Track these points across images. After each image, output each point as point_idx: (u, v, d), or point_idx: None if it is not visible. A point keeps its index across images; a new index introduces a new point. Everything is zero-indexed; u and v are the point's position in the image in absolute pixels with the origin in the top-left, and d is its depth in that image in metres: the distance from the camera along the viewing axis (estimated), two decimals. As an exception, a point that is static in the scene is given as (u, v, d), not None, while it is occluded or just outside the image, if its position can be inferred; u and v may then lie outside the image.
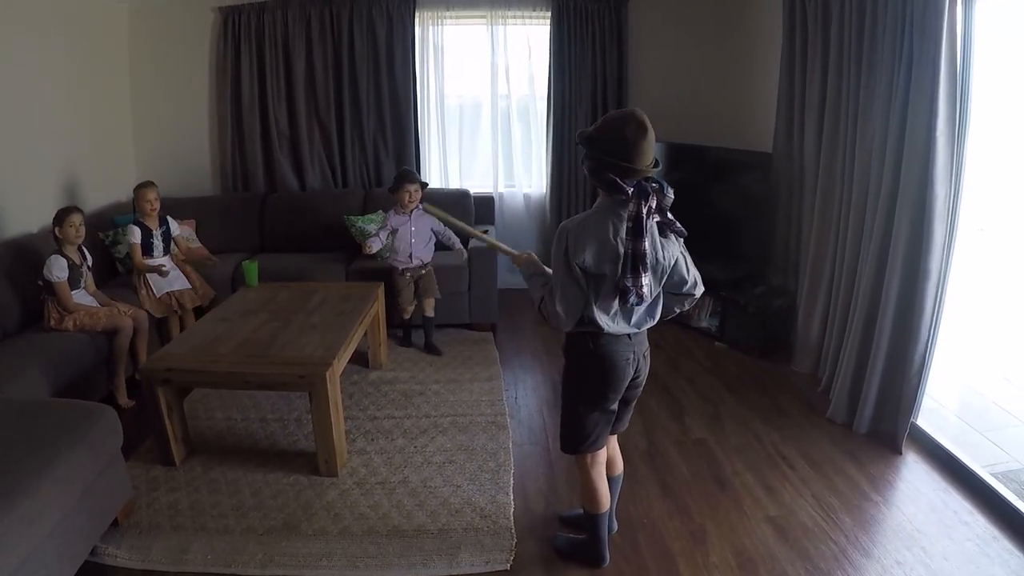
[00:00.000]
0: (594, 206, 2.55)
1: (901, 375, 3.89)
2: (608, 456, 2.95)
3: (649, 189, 2.41)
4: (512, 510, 3.38)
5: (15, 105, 4.89)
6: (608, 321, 2.55)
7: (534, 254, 2.86)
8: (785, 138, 5.14)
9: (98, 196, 5.83)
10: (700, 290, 2.75)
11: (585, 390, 2.70)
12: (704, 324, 5.69)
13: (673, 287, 2.69)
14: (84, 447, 2.91)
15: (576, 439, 2.77)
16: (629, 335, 2.63)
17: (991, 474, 3.54)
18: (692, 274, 2.69)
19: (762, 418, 4.31)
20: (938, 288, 3.69)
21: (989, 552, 3.06)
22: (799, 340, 4.98)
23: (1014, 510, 3.26)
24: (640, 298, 2.44)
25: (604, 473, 2.87)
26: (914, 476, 3.69)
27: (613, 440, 3.01)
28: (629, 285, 2.41)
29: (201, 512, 3.41)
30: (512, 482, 3.62)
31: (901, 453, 3.86)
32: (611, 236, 2.42)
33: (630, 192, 2.38)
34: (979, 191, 3.82)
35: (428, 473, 3.70)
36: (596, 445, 2.77)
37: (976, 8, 3.43)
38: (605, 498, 2.87)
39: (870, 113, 4.05)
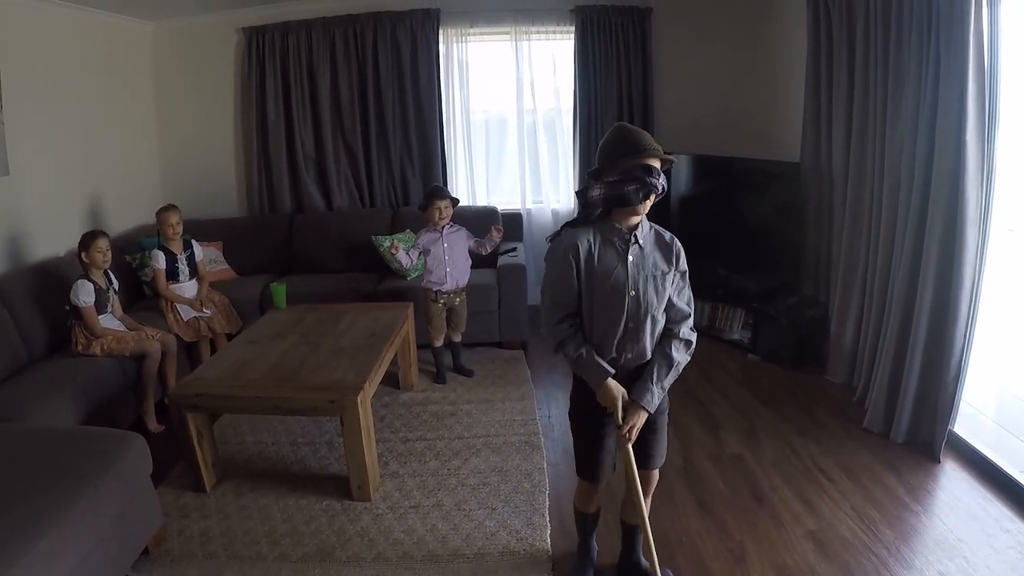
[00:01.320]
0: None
1: (937, 382, 3.82)
2: (629, 499, 2.78)
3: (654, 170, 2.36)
4: (549, 532, 3.30)
5: (41, 128, 4.92)
6: (601, 347, 2.52)
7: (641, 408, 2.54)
8: (813, 147, 5.05)
9: (125, 218, 5.85)
10: (689, 331, 2.58)
11: (578, 410, 2.74)
12: (736, 336, 5.60)
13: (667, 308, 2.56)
14: (113, 476, 2.88)
15: (581, 462, 2.79)
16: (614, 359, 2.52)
17: None
18: (682, 307, 2.57)
19: (798, 430, 4.22)
20: (972, 293, 3.63)
21: (1032, 559, 2.96)
22: (832, 350, 4.89)
23: (1056, 517, 3.17)
24: (652, 188, 2.33)
25: (600, 488, 2.80)
26: (953, 485, 3.60)
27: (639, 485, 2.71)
28: (644, 179, 2.32)
29: (233, 539, 3.35)
30: (548, 503, 3.53)
31: (939, 461, 3.77)
32: (589, 236, 2.44)
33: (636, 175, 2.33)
34: (1009, 192, 3.76)
35: (462, 495, 3.62)
36: (593, 475, 2.74)
37: (1001, 8, 3.38)
38: (594, 502, 2.90)
39: (898, 119, 3.99)
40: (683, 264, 2.52)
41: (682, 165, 5.95)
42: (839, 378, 4.82)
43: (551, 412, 4.58)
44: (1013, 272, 4.09)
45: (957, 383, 3.72)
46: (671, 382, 2.54)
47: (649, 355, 2.53)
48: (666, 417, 2.72)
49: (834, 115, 4.72)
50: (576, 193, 2.48)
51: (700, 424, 4.34)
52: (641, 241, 2.45)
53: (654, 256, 2.48)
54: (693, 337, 2.56)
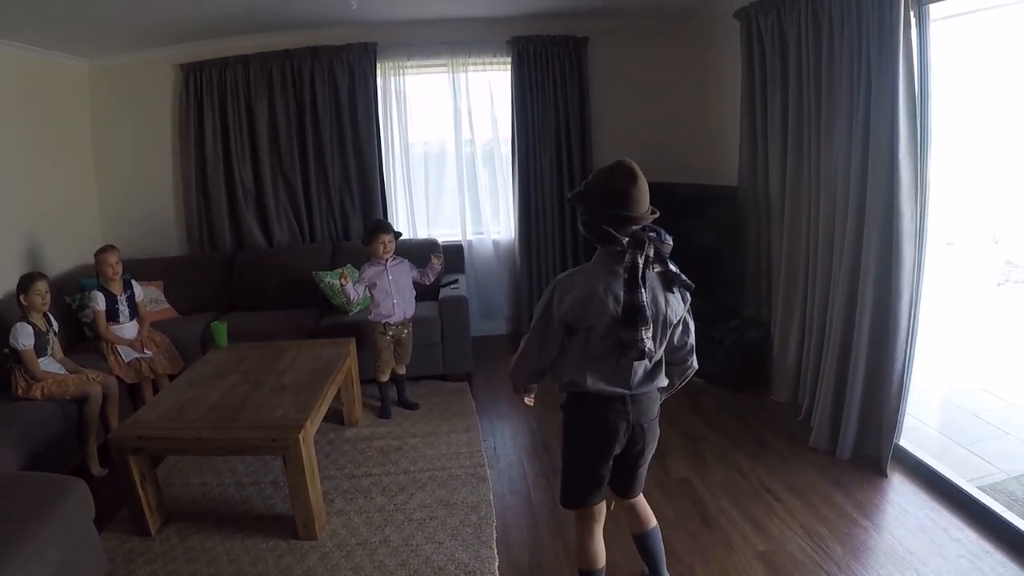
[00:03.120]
0: (591, 260, 2.48)
1: (881, 397, 3.92)
2: (637, 512, 2.89)
3: (645, 238, 2.35)
4: (496, 564, 3.32)
5: None
6: (593, 381, 2.48)
7: None
8: (750, 170, 5.20)
9: (63, 258, 5.76)
10: (694, 361, 2.71)
11: (572, 451, 2.67)
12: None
13: (673, 351, 2.64)
14: (55, 523, 2.85)
15: (566, 494, 2.75)
16: (623, 401, 2.52)
17: (978, 487, 3.57)
18: (690, 341, 2.67)
19: (745, 452, 4.29)
20: (911, 307, 3.74)
21: (983, 567, 3.06)
22: (776, 370, 4.99)
23: (1004, 522, 3.28)
24: (642, 353, 2.34)
25: (596, 531, 2.75)
26: (901, 498, 3.69)
27: (639, 498, 2.89)
28: (628, 339, 2.32)
29: None
30: (495, 535, 3.56)
31: (887, 475, 3.87)
32: (600, 290, 2.36)
33: (625, 242, 2.32)
34: (944, 206, 3.90)
35: (409, 531, 3.62)
36: (586, 503, 2.69)
37: (930, 26, 3.52)
38: (595, 556, 2.75)
39: (832, 139, 4.11)
40: None
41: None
42: (784, 397, 4.91)
43: (496, 443, 4.62)
44: (951, 284, 4.23)
45: (900, 397, 3.82)
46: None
47: None
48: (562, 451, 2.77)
49: (770, 138, 4.86)
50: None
51: (645, 452, 4.40)
52: None
53: None
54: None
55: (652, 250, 2.36)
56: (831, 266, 4.24)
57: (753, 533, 3.46)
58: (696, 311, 5.28)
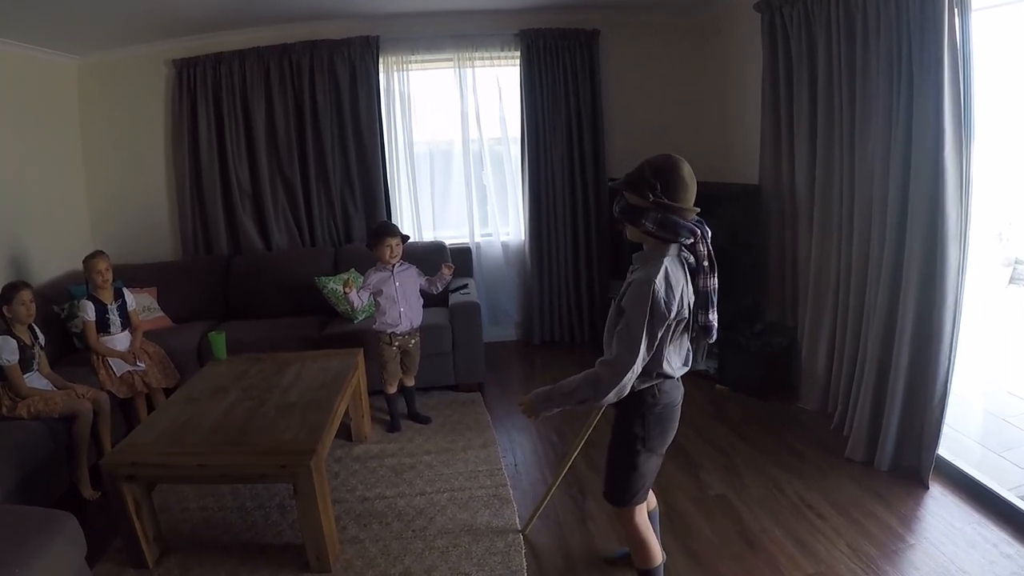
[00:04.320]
0: (651, 255, 2.47)
1: (922, 406, 3.71)
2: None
3: (702, 227, 2.45)
4: (528, 599, 3.03)
5: None
6: (674, 366, 2.55)
7: (531, 395, 2.63)
8: (772, 168, 4.94)
9: (51, 266, 5.46)
10: (599, 363, 2.54)
11: (649, 439, 2.61)
12: (702, 367, 5.37)
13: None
14: (42, 567, 2.57)
15: (631, 491, 2.68)
16: (681, 380, 2.67)
17: (1019, 497, 3.37)
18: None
19: (779, 464, 4.05)
20: (955, 311, 3.52)
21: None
22: (805, 376, 4.76)
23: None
24: (714, 333, 2.55)
25: (649, 523, 2.80)
26: (945, 511, 3.47)
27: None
28: (705, 322, 2.52)
29: None
30: (525, 564, 3.27)
31: (928, 488, 3.66)
32: (684, 282, 2.45)
33: (698, 233, 2.41)
34: (988, 203, 3.74)
35: (432, 561, 3.32)
36: (645, 494, 2.72)
37: (972, 17, 3.31)
38: (658, 550, 2.79)
39: (868, 136, 3.89)
40: (625, 300, 2.43)
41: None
42: (812, 405, 4.69)
43: (517, 459, 4.34)
44: (988, 289, 4.01)
45: (943, 407, 3.60)
46: (561, 401, 2.52)
47: None
48: (613, 454, 2.72)
49: (796, 135, 4.60)
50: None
51: (676, 464, 4.11)
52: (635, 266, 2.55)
53: (627, 281, 2.52)
54: (599, 370, 2.43)
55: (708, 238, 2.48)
56: (867, 270, 4.02)
57: (800, 555, 3.21)
58: (717, 315, 5.10)
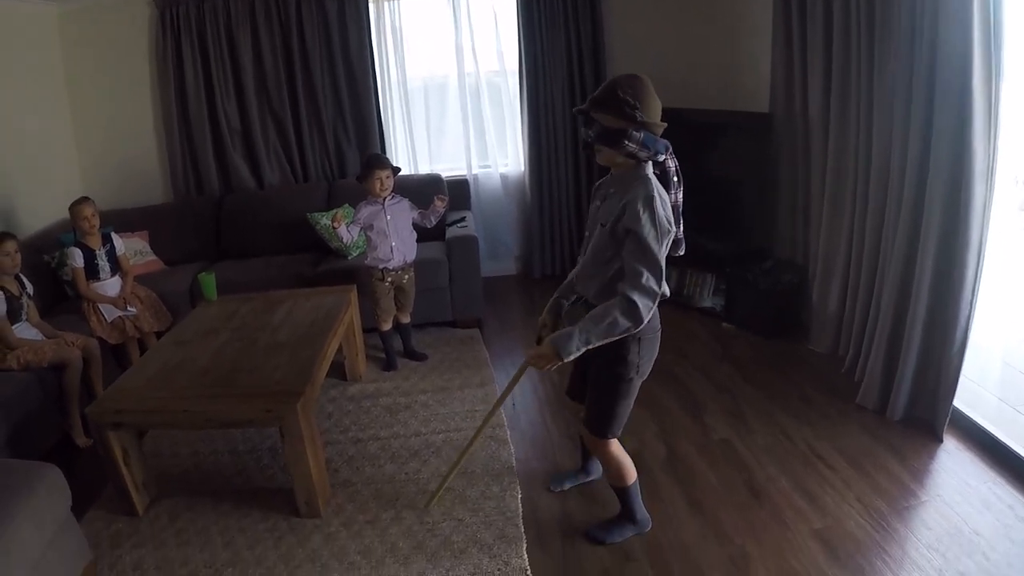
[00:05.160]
0: (631, 176, 2.45)
1: (940, 354, 3.48)
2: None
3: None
4: (525, 545, 2.95)
5: None
6: (665, 287, 2.47)
7: (549, 342, 2.45)
8: (784, 96, 4.69)
9: (41, 215, 5.35)
10: (630, 290, 2.49)
11: (642, 365, 2.62)
12: (707, 304, 5.24)
13: None
14: (24, 518, 2.51)
15: (619, 421, 2.72)
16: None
17: None
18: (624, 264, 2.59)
19: (787, 409, 3.89)
20: (979, 254, 3.26)
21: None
22: (815, 317, 4.57)
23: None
24: (683, 247, 2.56)
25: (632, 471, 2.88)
26: (960, 467, 3.29)
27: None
28: (679, 236, 2.51)
29: (170, 572, 2.99)
30: (521, 508, 3.19)
31: (942, 441, 3.47)
32: (671, 199, 2.46)
33: (669, 148, 2.43)
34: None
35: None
36: (619, 431, 2.77)
37: None
38: (632, 466, 2.86)
39: (887, 63, 3.62)
40: (628, 223, 2.37)
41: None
42: (823, 347, 4.50)
43: (515, 398, 4.21)
44: (1010, 234, 3.77)
45: (962, 356, 3.38)
46: (598, 337, 2.39)
47: (594, 300, 2.56)
48: (604, 385, 2.68)
49: (809, 60, 4.35)
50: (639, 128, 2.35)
51: (681, 406, 4.01)
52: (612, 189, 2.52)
53: (610, 205, 2.49)
54: (633, 297, 2.34)
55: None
56: (885, 206, 3.77)
57: (808, 507, 3.08)
58: (722, 251, 4.96)
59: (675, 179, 2.46)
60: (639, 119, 2.32)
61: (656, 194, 2.36)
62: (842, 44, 4.00)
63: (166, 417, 3.27)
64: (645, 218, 2.32)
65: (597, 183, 2.71)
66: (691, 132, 5.12)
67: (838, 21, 4.00)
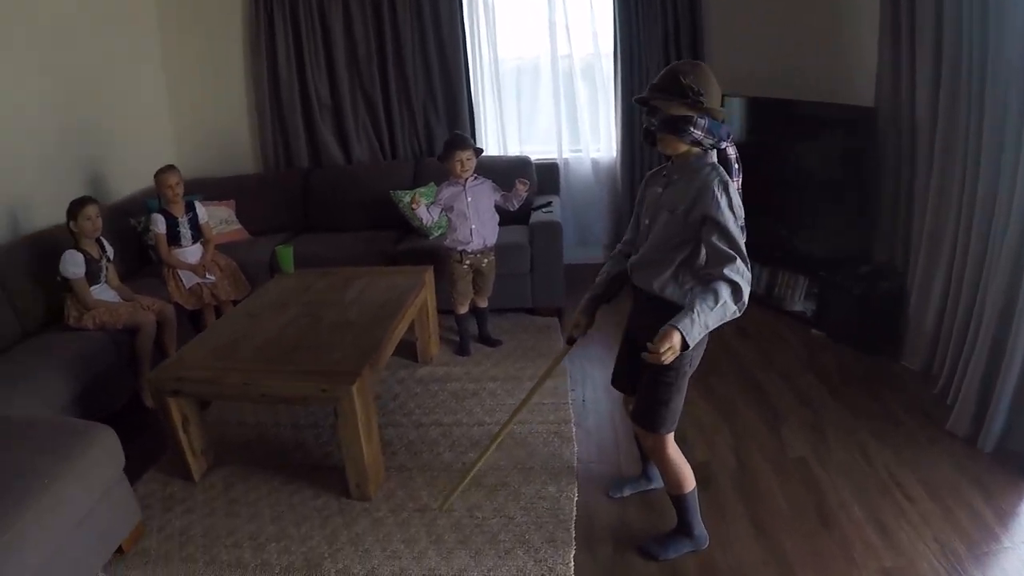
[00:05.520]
0: (695, 164, 2.37)
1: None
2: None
3: None
4: (573, 553, 2.79)
5: (38, 91, 4.62)
6: None
7: (675, 331, 2.19)
8: (891, 90, 4.32)
9: (131, 181, 5.46)
10: (731, 273, 2.37)
11: (695, 359, 2.55)
12: (798, 307, 4.94)
13: None
14: (73, 478, 2.56)
15: (674, 415, 2.59)
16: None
17: None
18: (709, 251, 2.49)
19: (871, 429, 3.58)
20: None
21: None
22: (911, 330, 4.20)
23: None
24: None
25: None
26: None
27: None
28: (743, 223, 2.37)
29: (215, 540, 3.00)
30: (575, 513, 3.03)
31: (1036, 480, 3.13)
32: None
33: (731, 135, 2.38)
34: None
35: (477, 499, 3.14)
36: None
37: None
38: (691, 474, 2.71)
39: (1002, 55, 3.27)
40: (705, 208, 2.29)
41: (736, 109, 5.31)
42: (916, 364, 4.14)
43: (586, 394, 4.06)
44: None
45: None
46: (714, 321, 2.23)
47: (656, 289, 2.46)
48: (657, 377, 2.51)
49: (918, 51, 3.99)
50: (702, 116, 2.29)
51: (759, 415, 3.76)
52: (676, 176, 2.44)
53: (677, 192, 2.41)
54: (734, 279, 2.22)
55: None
56: (993, 213, 3.40)
57: (879, 542, 2.79)
58: (817, 253, 4.67)
59: (736, 166, 2.39)
60: (704, 105, 2.25)
61: (731, 186, 2.29)
62: (952, 32, 3.66)
63: (223, 388, 3.25)
64: (723, 203, 2.26)
65: (651, 171, 2.63)
66: (791, 124, 4.90)
67: (948, 6, 3.66)
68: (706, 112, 2.27)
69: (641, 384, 2.60)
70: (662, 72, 2.35)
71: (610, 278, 2.75)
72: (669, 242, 2.39)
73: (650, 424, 2.57)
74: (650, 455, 2.74)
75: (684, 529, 2.77)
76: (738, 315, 2.24)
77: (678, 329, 2.16)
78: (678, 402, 2.56)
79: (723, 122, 2.33)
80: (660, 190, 2.47)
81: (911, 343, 4.18)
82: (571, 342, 2.85)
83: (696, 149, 2.33)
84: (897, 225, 4.42)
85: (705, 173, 2.32)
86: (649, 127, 2.36)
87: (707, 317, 2.19)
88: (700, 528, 2.78)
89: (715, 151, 2.36)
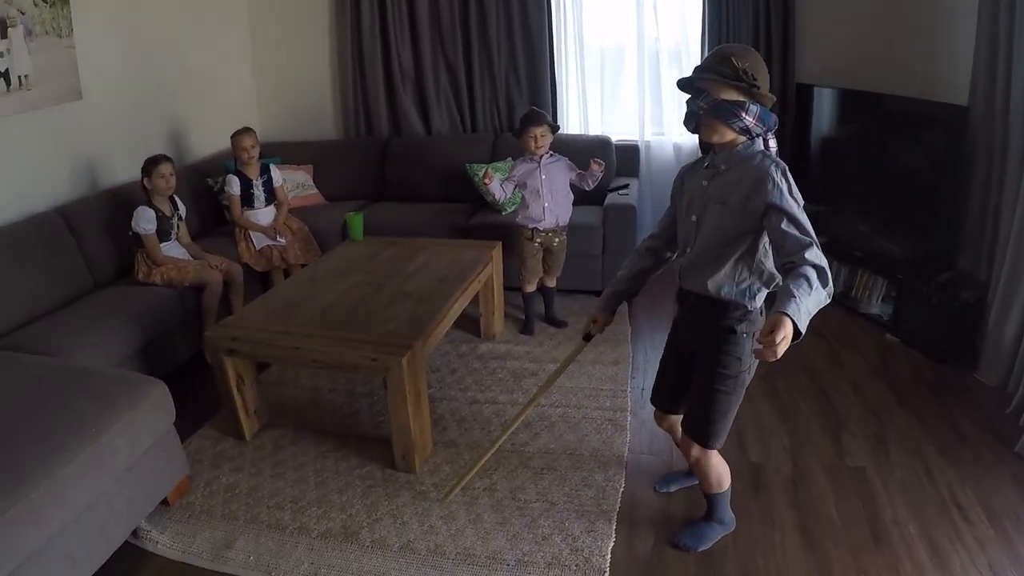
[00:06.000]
0: (743, 152, 2.23)
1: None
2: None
3: None
4: (612, 544, 2.71)
5: (121, 51, 4.73)
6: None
7: (785, 317, 1.87)
8: (986, 87, 4.05)
9: (212, 141, 5.58)
10: (812, 256, 2.16)
11: (754, 364, 2.41)
12: (874, 310, 4.71)
13: None
14: (120, 430, 2.59)
15: (727, 427, 2.48)
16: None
17: None
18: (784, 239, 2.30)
19: (936, 444, 3.36)
20: None
21: None
22: (989, 343, 3.94)
23: None
24: None
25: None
26: None
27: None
28: None
29: (258, 500, 3.04)
30: (619, 505, 2.94)
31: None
32: None
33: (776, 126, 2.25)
34: None
35: (521, 480, 3.08)
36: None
37: None
38: (729, 469, 2.65)
39: None
40: (767, 197, 2.15)
41: (824, 100, 5.12)
42: (992, 380, 3.88)
43: (646, 383, 3.93)
44: None
45: None
46: (814, 308, 1.94)
47: (711, 290, 2.31)
48: (716, 387, 2.38)
49: (1015, 48, 3.74)
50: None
51: (821, 420, 3.58)
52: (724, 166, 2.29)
53: (727, 182, 2.27)
54: (819, 263, 2.01)
55: None
56: None
57: (930, 563, 2.61)
58: (898, 255, 4.44)
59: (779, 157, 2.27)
60: (758, 91, 2.14)
61: (789, 173, 2.18)
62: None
63: (276, 351, 3.26)
64: (785, 189, 2.14)
65: (690, 163, 2.51)
66: (881, 119, 4.67)
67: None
68: (758, 99, 2.16)
69: (694, 393, 2.48)
70: (711, 53, 2.24)
71: (632, 274, 2.67)
72: (725, 236, 2.25)
73: (705, 438, 2.46)
74: (694, 465, 2.62)
75: (715, 517, 2.73)
76: (828, 301, 2.00)
77: (787, 315, 1.85)
78: (733, 413, 2.45)
79: (772, 110, 2.20)
80: (705, 183, 2.31)
81: (988, 357, 3.92)
82: (588, 338, 2.79)
83: (742, 137, 2.21)
84: (984, 232, 4.15)
85: (758, 160, 2.20)
86: (697, 110, 2.20)
87: (807, 302, 1.93)
88: (729, 513, 2.75)
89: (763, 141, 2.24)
